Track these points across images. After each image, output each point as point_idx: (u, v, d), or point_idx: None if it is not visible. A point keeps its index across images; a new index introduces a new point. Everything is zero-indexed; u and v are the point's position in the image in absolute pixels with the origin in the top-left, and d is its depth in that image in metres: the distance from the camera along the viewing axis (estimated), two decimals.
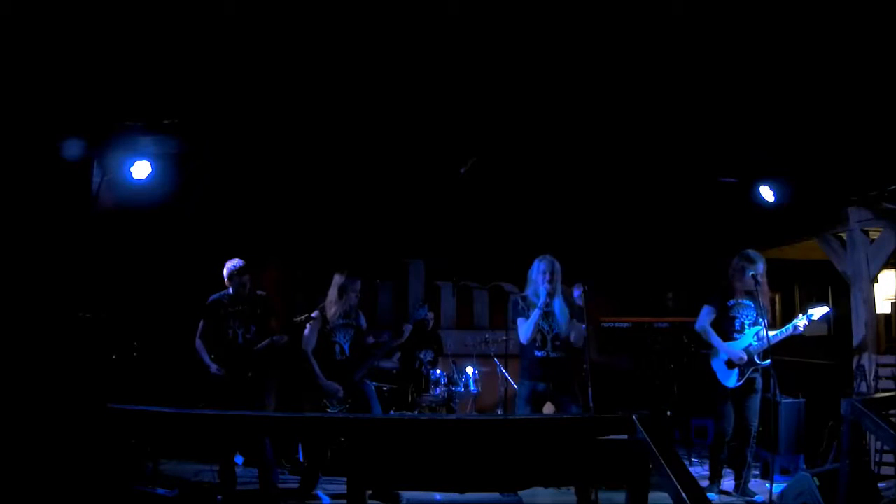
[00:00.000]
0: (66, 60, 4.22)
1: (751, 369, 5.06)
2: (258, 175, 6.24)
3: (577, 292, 5.97)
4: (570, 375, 4.93)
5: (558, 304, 4.89)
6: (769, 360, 4.98)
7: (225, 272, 5.13)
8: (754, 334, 5.12)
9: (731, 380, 5.12)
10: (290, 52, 4.24)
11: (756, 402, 5.11)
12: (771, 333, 4.99)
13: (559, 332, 4.87)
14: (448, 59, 4.34)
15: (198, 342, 5.11)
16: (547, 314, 4.87)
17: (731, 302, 5.25)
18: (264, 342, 5.09)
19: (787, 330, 4.97)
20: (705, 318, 5.27)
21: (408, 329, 5.22)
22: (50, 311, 4.67)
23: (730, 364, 5.14)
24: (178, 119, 5.01)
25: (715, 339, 5.19)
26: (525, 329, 4.89)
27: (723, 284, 5.35)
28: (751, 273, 5.10)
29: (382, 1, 3.76)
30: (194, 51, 4.20)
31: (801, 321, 4.96)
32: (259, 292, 5.24)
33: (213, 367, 5.00)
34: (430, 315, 7.45)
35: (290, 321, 5.22)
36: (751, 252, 5.20)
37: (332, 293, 5.14)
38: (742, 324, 5.20)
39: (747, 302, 5.23)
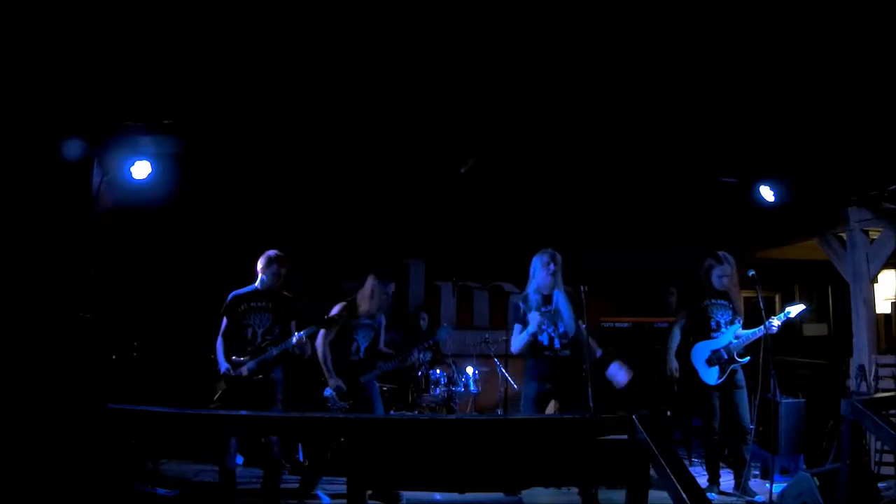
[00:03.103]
0: (66, 60, 4.22)
1: (731, 367, 5.13)
2: (259, 174, 6.24)
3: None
4: (577, 374, 4.76)
5: (562, 301, 4.79)
6: (748, 357, 5.10)
7: (263, 259, 4.93)
8: (733, 332, 5.20)
9: (713, 377, 5.17)
10: (291, 51, 4.24)
11: (743, 397, 5.14)
12: (748, 331, 5.13)
13: (566, 329, 4.78)
14: (448, 59, 4.33)
15: (219, 341, 4.86)
16: (552, 313, 4.80)
17: (706, 302, 5.32)
18: (285, 344, 4.81)
19: (762, 329, 4.97)
20: (676, 327, 5.37)
21: (426, 356, 5.53)
22: (50, 311, 4.66)
23: (710, 362, 5.19)
24: (178, 119, 5.00)
25: (671, 350, 5.33)
26: (519, 340, 4.79)
27: (693, 287, 5.45)
28: (718, 274, 5.25)
29: (382, 1, 3.76)
30: (194, 51, 4.20)
31: (776, 319, 5.00)
32: (286, 293, 5.04)
33: (224, 366, 4.74)
34: (424, 315, 7.50)
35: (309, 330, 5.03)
36: (720, 252, 5.33)
37: (367, 292, 5.13)
38: (718, 323, 5.28)
39: (722, 301, 5.32)
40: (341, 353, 5.02)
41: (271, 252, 4.97)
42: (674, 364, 5.28)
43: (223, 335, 4.89)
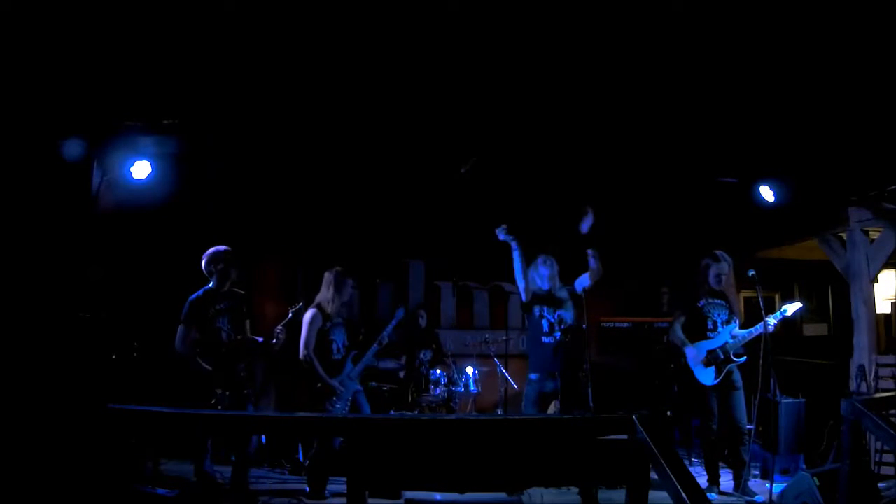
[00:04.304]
0: (66, 60, 4.22)
1: (727, 366, 5.13)
2: (259, 175, 6.24)
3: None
4: (577, 365, 4.99)
5: (562, 293, 5.08)
6: (745, 357, 5.13)
7: (207, 257, 4.72)
8: (729, 332, 5.19)
9: (709, 378, 5.16)
10: (291, 51, 4.25)
11: (740, 398, 5.14)
12: (744, 331, 5.14)
13: (564, 316, 5.01)
14: (448, 60, 4.34)
15: (182, 347, 4.56)
16: (552, 302, 5.03)
17: (702, 302, 5.32)
18: (275, 338, 4.74)
19: (759, 328, 5.00)
20: (677, 326, 5.36)
21: (384, 337, 5.36)
22: (50, 311, 4.66)
23: (706, 362, 5.17)
24: (178, 119, 5.00)
25: (686, 342, 5.28)
26: (517, 279, 5.06)
27: (690, 286, 5.46)
28: (714, 273, 5.26)
29: (382, 1, 3.76)
30: (194, 50, 4.20)
31: (773, 319, 5.00)
32: (237, 290, 4.86)
33: (207, 367, 4.53)
34: (423, 314, 7.53)
35: (284, 320, 5.05)
36: (717, 252, 5.35)
37: (329, 291, 5.19)
38: (715, 322, 5.27)
39: (718, 301, 5.32)
40: (324, 356, 5.09)
41: (219, 248, 4.77)
42: (679, 334, 5.28)
43: (185, 344, 4.57)
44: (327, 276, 5.23)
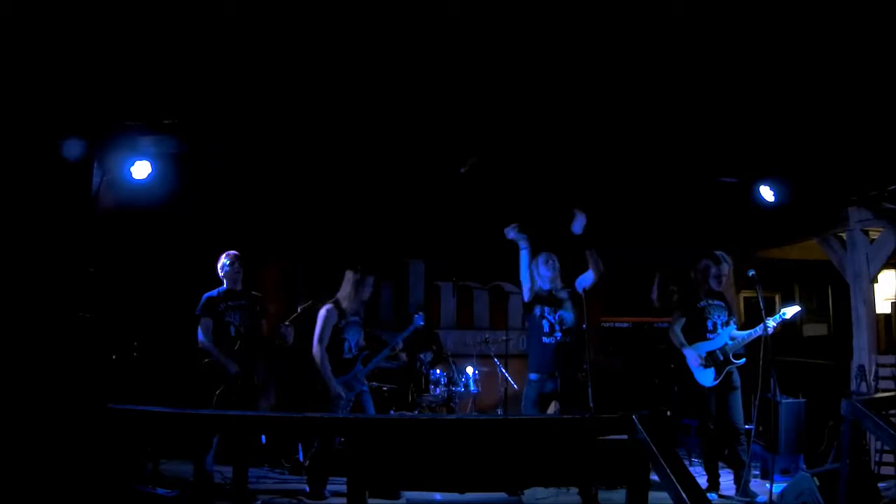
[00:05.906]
0: (65, 60, 4.22)
1: (727, 368, 5.12)
2: (258, 175, 6.24)
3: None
4: (577, 365, 5.01)
5: (563, 294, 5.10)
6: (744, 359, 5.13)
7: (219, 262, 5.08)
8: (728, 334, 5.19)
9: (708, 378, 5.16)
10: (290, 51, 4.24)
11: (737, 399, 5.14)
12: (743, 332, 5.15)
13: (564, 317, 5.03)
14: (448, 59, 4.33)
15: (205, 342, 4.94)
16: (553, 302, 5.04)
17: (702, 304, 5.32)
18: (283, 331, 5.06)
19: (758, 330, 5.01)
20: (677, 326, 5.35)
21: (399, 342, 5.42)
22: (50, 311, 4.66)
23: (706, 364, 5.17)
24: (178, 119, 5.01)
25: (685, 345, 5.26)
26: (523, 278, 5.08)
27: (690, 287, 5.47)
28: (714, 274, 5.27)
29: (382, 1, 3.76)
30: (194, 50, 4.19)
31: (772, 321, 4.98)
32: (254, 292, 5.19)
33: (233, 368, 4.87)
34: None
35: (292, 316, 5.17)
36: (717, 252, 5.37)
37: (350, 288, 5.21)
38: (714, 324, 5.26)
39: (717, 302, 5.32)
40: (335, 354, 5.09)
41: (228, 253, 5.11)
42: (679, 337, 5.27)
43: (207, 335, 4.95)
44: (349, 275, 5.27)
